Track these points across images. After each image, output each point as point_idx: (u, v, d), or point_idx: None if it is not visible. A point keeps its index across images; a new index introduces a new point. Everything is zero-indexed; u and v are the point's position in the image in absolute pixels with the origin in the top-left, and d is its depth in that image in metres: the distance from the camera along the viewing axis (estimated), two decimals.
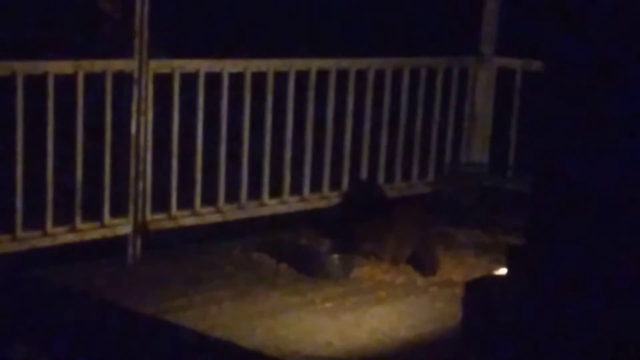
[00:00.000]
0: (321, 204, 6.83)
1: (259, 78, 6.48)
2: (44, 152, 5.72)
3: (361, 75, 6.98)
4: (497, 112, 7.63)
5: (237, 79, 6.40)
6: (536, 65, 7.32)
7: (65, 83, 5.79)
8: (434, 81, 7.36)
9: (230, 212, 6.46)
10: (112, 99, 5.91)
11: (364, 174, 7.06)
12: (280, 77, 6.58)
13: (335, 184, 6.91)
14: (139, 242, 6.07)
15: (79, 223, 5.89)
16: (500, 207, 7.14)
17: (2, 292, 4.09)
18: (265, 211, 6.63)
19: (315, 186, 6.83)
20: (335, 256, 5.99)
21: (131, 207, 6.03)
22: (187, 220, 6.29)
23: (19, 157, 5.62)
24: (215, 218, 6.40)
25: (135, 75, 5.95)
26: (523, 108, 7.38)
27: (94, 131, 5.93)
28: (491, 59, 7.56)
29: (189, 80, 6.22)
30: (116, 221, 6.02)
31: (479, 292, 5.02)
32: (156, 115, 6.08)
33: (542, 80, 4.60)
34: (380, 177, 7.16)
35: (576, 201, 4.36)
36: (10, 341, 3.64)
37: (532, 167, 4.79)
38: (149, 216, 6.10)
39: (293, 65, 6.65)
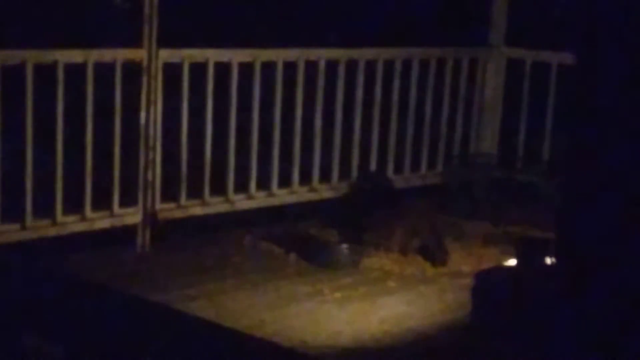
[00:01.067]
0: (330, 194, 6.82)
1: (269, 68, 6.48)
2: (54, 141, 5.72)
3: (370, 65, 6.97)
4: (506, 102, 7.61)
5: (247, 69, 6.40)
6: (545, 55, 7.32)
7: (76, 71, 5.79)
8: (444, 71, 7.35)
9: (239, 202, 6.45)
10: (122, 88, 5.92)
11: (373, 164, 7.05)
12: (290, 67, 6.58)
13: (344, 174, 6.91)
14: (148, 232, 6.07)
15: (88, 212, 5.90)
16: (510, 198, 7.13)
17: (13, 282, 4.09)
18: (275, 201, 6.62)
19: (325, 176, 6.83)
20: (345, 246, 5.99)
21: (140, 197, 6.04)
22: (197, 210, 6.29)
23: (29, 146, 5.62)
24: (224, 208, 6.40)
25: (145, 64, 5.95)
26: (532, 99, 7.37)
27: (104, 120, 5.93)
28: (500, 49, 7.55)
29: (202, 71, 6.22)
30: (125, 210, 6.02)
31: (488, 282, 5.02)
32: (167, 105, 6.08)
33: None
34: (389, 168, 7.15)
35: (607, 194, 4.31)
36: (22, 331, 3.64)
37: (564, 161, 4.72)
38: (158, 206, 6.10)
39: (302, 55, 6.64)
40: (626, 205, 4.21)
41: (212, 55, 6.28)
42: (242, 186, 6.46)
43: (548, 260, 5.01)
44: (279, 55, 6.53)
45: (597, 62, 3.97)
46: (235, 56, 6.36)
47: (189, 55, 6.18)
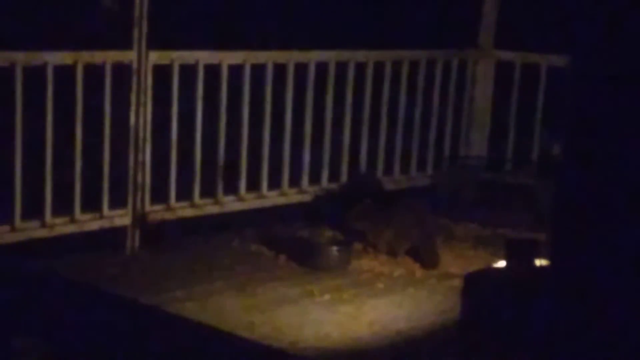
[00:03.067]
0: (320, 196, 6.82)
1: (259, 70, 6.48)
2: (44, 142, 5.71)
3: (360, 67, 6.97)
4: (496, 104, 7.63)
5: (237, 71, 6.40)
6: (535, 57, 7.34)
7: (65, 74, 5.78)
8: (433, 74, 7.35)
9: (229, 204, 6.45)
10: (112, 90, 5.91)
11: (363, 166, 7.06)
12: (280, 69, 6.58)
13: (334, 176, 6.91)
14: (137, 234, 6.07)
15: (77, 214, 5.89)
16: (499, 200, 7.14)
17: (2, 284, 4.09)
18: (264, 203, 6.63)
19: (314, 178, 6.83)
20: (334, 248, 5.99)
21: (130, 199, 6.03)
22: (186, 211, 6.29)
23: (18, 148, 5.61)
24: (214, 210, 6.40)
25: (135, 66, 5.95)
26: (521, 101, 7.39)
27: (94, 122, 5.93)
28: (490, 51, 7.56)
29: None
30: (115, 212, 6.02)
31: (477, 284, 5.03)
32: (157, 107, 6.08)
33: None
34: (379, 170, 7.16)
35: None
36: (13, 333, 3.64)
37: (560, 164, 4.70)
38: (147, 207, 6.09)
39: (292, 57, 6.65)
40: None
41: (201, 57, 6.28)
42: (231, 188, 6.46)
43: (537, 262, 5.01)
44: (268, 58, 6.53)
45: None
46: (225, 58, 6.36)
47: (178, 57, 6.18)
